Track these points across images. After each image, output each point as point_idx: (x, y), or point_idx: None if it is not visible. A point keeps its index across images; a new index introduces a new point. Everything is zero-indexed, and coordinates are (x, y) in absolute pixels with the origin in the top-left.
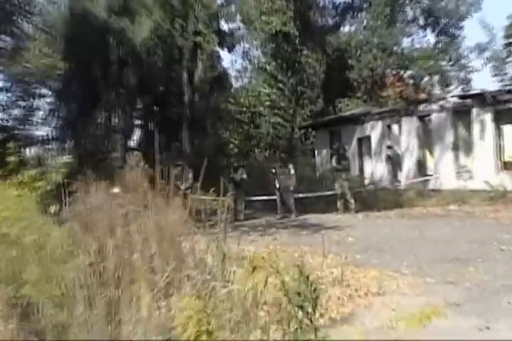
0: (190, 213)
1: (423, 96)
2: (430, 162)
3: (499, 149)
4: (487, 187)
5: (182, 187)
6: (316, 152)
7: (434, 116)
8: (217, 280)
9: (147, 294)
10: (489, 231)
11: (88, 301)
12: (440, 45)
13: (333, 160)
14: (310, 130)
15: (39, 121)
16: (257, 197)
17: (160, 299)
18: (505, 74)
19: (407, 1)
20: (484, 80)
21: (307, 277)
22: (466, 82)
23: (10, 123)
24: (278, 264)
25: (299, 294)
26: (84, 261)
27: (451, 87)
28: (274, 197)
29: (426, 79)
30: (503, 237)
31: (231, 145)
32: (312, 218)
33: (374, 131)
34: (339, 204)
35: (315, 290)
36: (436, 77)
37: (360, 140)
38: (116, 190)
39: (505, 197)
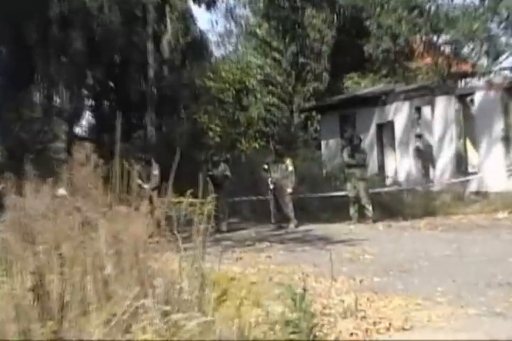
0: (158, 222)
1: (464, 69)
2: (473, 156)
3: None
4: None
5: (147, 187)
6: (322, 142)
7: (478, 96)
8: (193, 311)
9: (101, 329)
10: None
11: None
12: (487, 2)
13: (345, 154)
14: (314, 114)
15: None
16: (245, 200)
17: (117, 335)
18: None
19: None
20: None
21: (302, 297)
22: None
23: None
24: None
25: (287, 323)
26: (20, 285)
27: (502, 57)
28: (267, 202)
29: (468, 46)
30: None
31: (211, 134)
32: (317, 229)
33: (398, 115)
34: (352, 210)
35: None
36: (482, 44)
37: (380, 127)
38: (61, 191)
39: None
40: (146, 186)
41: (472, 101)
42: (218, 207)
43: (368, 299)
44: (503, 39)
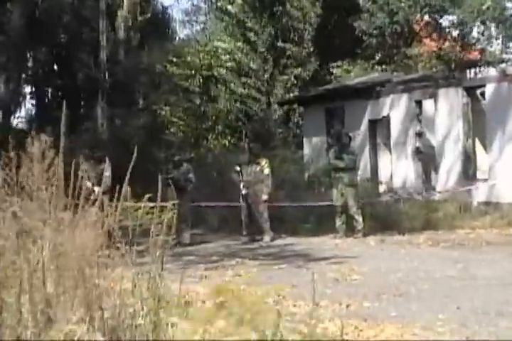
0: (109, 232)
1: (473, 56)
2: (483, 160)
3: None
4: None
5: (96, 190)
6: (304, 141)
7: (489, 88)
8: (147, 338)
9: None
10: None
11: None
12: None
13: (331, 155)
14: (296, 106)
15: None
16: (212, 208)
17: None
18: None
19: None
20: None
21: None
22: None
23: None
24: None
25: None
26: None
27: None
28: (239, 210)
29: (478, 29)
30: None
31: (173, 128)
32: (297, 243)
33: (395, 109)
34: (339, 222)
35: None
36: (494, 27)
37: (373, 123)
38: None
39: None
40: (95, 189)
41: (482, 94)
42: (180, 215)
43: (355, 327)
44: None
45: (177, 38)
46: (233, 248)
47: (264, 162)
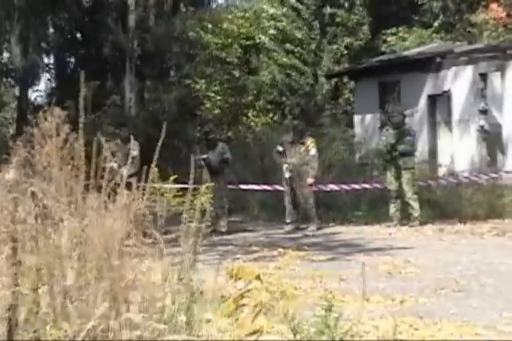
0: (137, 219)
1: None
2: None
3: None
4: None
5: (124, 172)
6: (355, 118)
7: None
8: (181, 334)
9: None
10: None
11: None
12: None
13: (385, 134)
14: (346, 80)
15: None
16: (252, 193)
17: None
18: None
19: None
20: None
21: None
22: None
23: None
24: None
25: None
26: None
27: None
28: (282, 195)
29: None
30: None
31: (208, 104)
32: (346, 232)
33: (458, 83)
34: (393, 209)
35: None
36: None
37: (433, 99)
38: (10, 174)
39: None
40: (122, 171)
41: None
42: (215, 200)
43: (410, 326)
44: None
45: (215, 2)
46: (275, 237)
47: (309, 141)
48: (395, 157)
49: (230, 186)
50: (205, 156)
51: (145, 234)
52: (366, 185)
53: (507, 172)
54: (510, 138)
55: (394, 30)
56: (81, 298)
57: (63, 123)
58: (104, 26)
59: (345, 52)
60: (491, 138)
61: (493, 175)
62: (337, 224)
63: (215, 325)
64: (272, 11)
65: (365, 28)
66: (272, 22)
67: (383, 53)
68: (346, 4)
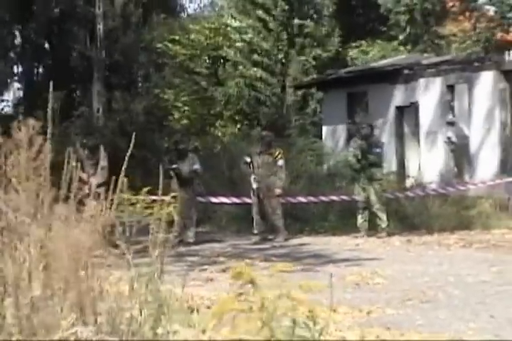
0: (104, 229)
1: None
2: None
3: None
4: None
5: (92, 182)
6: (323, 129)
7: None
8: None
9: None
10: None
11: None
12: None
13: (354, 145)
14: (314, 91)
15: None
16: (220, 203)
17: None
18: None
19: None
20: None
21: None
22: None
23: None
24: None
25: None
26: None
27: None
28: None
29: None
30: None
31: (176, 114)
32: (314, 243)
33: (426, 95)
34: (361, 220)
35: None
36: None
37: (400, 110)
38: None
39: None
40: (91, 180)
41: None
42: (183, 210)
43: (377, 337)
44: None
45: (184, 13)
46: (243, 248)
47: (277, 152)
48: (363, 168)
49: (199, 197)
50: (174, 166)
51: (113, 245)
52: (334, 197)
53: (474, 183)
54: (477, 150)
55: (357, 43)
56: (47, 310)
57: (36, 134)
58: (72, 36)
59: (314, 63)
60: (458, 149)
61: (461, 187)
62: (305, 235)
63: (182, 336)
64: (235, 24)
65: (334, 39)
66: (238, 35)
67: (351, 65)
68: (315, 15)
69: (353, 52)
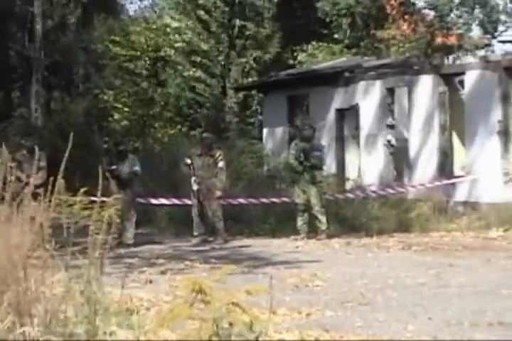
0: (42, 231)
1: (451, 41)
2: (460, 155)
3: None
4: None
5: (31, 182)
6: (264, 131)
7: (470, 77)
8: None
9: None
10: None
11: None
12: None
13: (294, 147)
14: (255, 93)
15: None
16: (159, 205)
17: None
18: None
19: None
20: None
21: None
22: None
23: None
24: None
25: None
26: None
27: (500, 28)
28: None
29: (457, 12)
30: None
31: (116, 115)
32: (254, 245)
33: (366, 98)
34: (300, 222)
35: None
36: (475, 10)
37: (341, 113)
38: None
39: None
40: (30, 181)
41: (462, 83)
42: (123, 212)
43: (316, 339)
44: (502, 3)
45: (125, 14)
46: (182, 250)
47: (218, 154)
48: (304, 170)
49: (138, 198)
50: (113, 167)
51: (51, 246)
52: (274, 199)
53: (413, 186)
54: (416, 153)
55: (304, 47)
56: None
57: None
58: (10, 36)
59: (255, 65)
60: (397, 152)
61: (400, 189)
62: (245, 237)
63: (119, 338)
64: (175, 24)
65: (274, 41)
66: (177, 36)
67: (293, 67)
68: (256, 18)
69: (301, 56)
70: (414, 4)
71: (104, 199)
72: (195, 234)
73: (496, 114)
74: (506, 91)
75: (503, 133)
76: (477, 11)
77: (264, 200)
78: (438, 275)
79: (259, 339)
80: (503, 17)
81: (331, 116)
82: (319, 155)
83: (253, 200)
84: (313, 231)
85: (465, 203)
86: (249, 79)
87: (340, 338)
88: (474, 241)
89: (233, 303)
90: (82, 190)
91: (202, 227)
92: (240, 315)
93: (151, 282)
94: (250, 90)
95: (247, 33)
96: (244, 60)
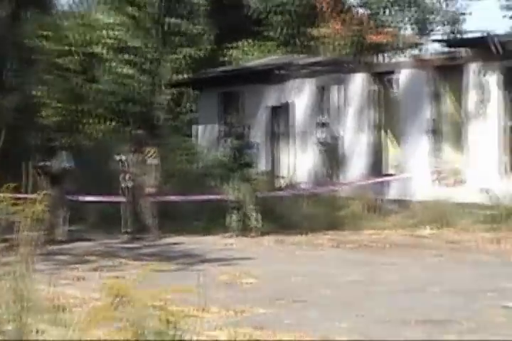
0: None
1: (383, 39)
2: (392, 153)
3: (510, 135)
4: (486, 200)
5: None
6: (196, 128)
7: (401, 75)
8: None
9: None
10: (485, 274)
11: None
12: None
13: (226, 144)
14: (187, 90)
15: None
16: (91, 202)
17: None
18: None
19: None
20: (489, 17)
21: None
22: (457, 19)
23: None
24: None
25: None
26: None
27: (431, 27)
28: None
29: (389, 10)
30: (507, 286)
31: (48, 111)
32: (186, 242)
33: (298, 96)
34: (233, 219)
35: None
36: (408, 9)
37: (273, 110)
38: None
39: None
40: None
41: (394, 81)
42: (53, 208)
43: (248, 336)
44: (432, 3)
45: (56, 8)
46: (114, 247)
47: (151, 151)
48: (236, 168)
49: (69, 195)
50: (43, 163)
51: None
52: (206, 196)
53: (344, 184)
54: (348, 151)
55: (237, 44)
56: None
57: None
58: None
59: (188, 62)
60: (329, 150)
61: (332, 187)
62: (177, 234)
63: (49, 335)
64: (106, 20)
65: (207, 38)
66: (108, 31)
67: (226, 64)
68: (188, 14)
69: (235, 53)
70: (345, 2)
71: (31, 196)
72: (123, 230)
73: (427, 113)
74: (437, 90)
75: (434, 132)
76: (409, 9)
77: (196, 197)
78: (369, 272)
79: (185, 338)
80: (433, 16)
81: (264, 113)
82: (252, 151)
83: (185, 197)
84: (246, 228)
85: (397, 201)
86: (183, 76)
87: (273, 335)
88: (405, 239)
89: (157, 303)
90: (6, 185)
91: (133, 224)
92: (163, 315)
93: (82, 279)
94: (184, 87)
95: (179, 29)
96: (176, 56)
